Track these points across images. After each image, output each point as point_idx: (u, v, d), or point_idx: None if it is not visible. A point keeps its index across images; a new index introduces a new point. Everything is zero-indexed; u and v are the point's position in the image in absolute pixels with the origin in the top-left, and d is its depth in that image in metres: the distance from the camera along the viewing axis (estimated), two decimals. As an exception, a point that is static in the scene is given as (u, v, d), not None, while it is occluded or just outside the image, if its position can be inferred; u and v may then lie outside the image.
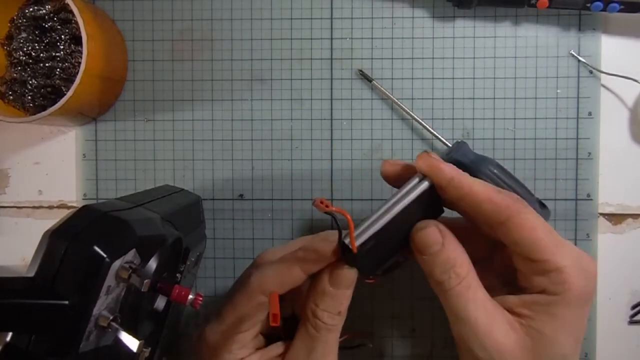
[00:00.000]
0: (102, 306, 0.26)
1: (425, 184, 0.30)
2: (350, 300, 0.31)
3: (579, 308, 0.28)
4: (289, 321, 0.34)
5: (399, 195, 0.30)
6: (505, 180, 0.38)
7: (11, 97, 0.39)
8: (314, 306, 0.30)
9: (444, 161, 0.29)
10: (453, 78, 0.41)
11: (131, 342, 0.26)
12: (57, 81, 0.38)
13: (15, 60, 0.39)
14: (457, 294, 0.28)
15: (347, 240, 0.29)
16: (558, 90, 0.41)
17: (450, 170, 0.29)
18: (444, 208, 0.31)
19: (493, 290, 0.29)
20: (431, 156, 0.30)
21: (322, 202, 0.27)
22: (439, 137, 0.40)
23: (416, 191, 0.30)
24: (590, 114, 0.41)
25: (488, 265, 0.33)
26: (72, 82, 0.35)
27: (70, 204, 0.43)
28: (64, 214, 0.26)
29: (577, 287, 0.27)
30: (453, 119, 0.41)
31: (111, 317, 0.26)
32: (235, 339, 0.32)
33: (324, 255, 0.30)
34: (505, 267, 0.31)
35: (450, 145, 0.40)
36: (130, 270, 0.26)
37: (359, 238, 0.29)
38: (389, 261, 0.31)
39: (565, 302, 0.27)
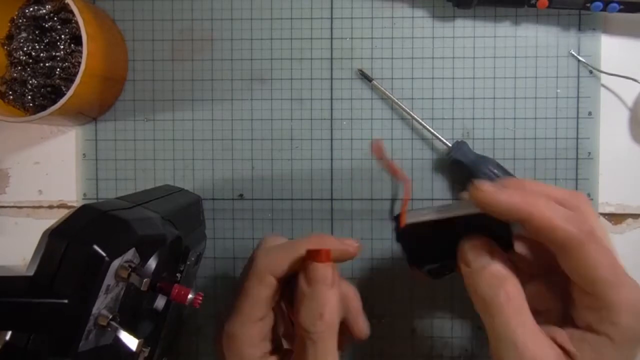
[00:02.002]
0: (101, 305, 0.26)
1: None
2: (335, 305, 0.28)
3: (628, 350, 0.26)
4: None
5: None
6: (506, 180, 0.38)
7: (11, 97, 0.39)
8: (296, 313, 0.29)
9: (499, 189, 0.27)
10: (453, 78, 0.41)
11: (130, 342, 0.26)
12: (57, 81, 0.38)
13: (15, 60, 0.39)
14: (506, 315, 0.26)
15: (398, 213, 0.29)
16: (558, 90, 0.41)
17: (506, 200, 0.27)
18: None
19: (542, 315, 0.28)
20: (483, 190, 0.27)
21: (388, 161, 0.27)
22: (439, 137, 0.40)
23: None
24: (590, 113, 0.41)
25: (537, 287, 0.31)
26: (72, 82, 0.35)
27: (70, 204, 0.43)
28: (64, 213, 0.26)
29: (626, 329, 0.25)
30: (453, 119, 0.41)
31: (110, 317, 0.26)
32: (255, 329, 0.31)
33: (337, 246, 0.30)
34: (561, 290, 0.29)
35: (450, 145, 0.40)
36: (130, 270, 0.26)
37: (411, 218, 0.29)
38: (437, 263, 0.31)
39: (613, 343, 0.25)
